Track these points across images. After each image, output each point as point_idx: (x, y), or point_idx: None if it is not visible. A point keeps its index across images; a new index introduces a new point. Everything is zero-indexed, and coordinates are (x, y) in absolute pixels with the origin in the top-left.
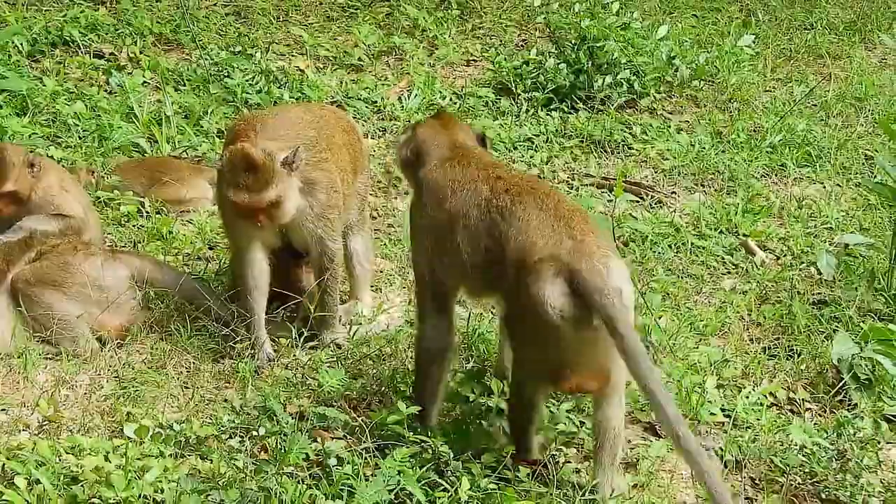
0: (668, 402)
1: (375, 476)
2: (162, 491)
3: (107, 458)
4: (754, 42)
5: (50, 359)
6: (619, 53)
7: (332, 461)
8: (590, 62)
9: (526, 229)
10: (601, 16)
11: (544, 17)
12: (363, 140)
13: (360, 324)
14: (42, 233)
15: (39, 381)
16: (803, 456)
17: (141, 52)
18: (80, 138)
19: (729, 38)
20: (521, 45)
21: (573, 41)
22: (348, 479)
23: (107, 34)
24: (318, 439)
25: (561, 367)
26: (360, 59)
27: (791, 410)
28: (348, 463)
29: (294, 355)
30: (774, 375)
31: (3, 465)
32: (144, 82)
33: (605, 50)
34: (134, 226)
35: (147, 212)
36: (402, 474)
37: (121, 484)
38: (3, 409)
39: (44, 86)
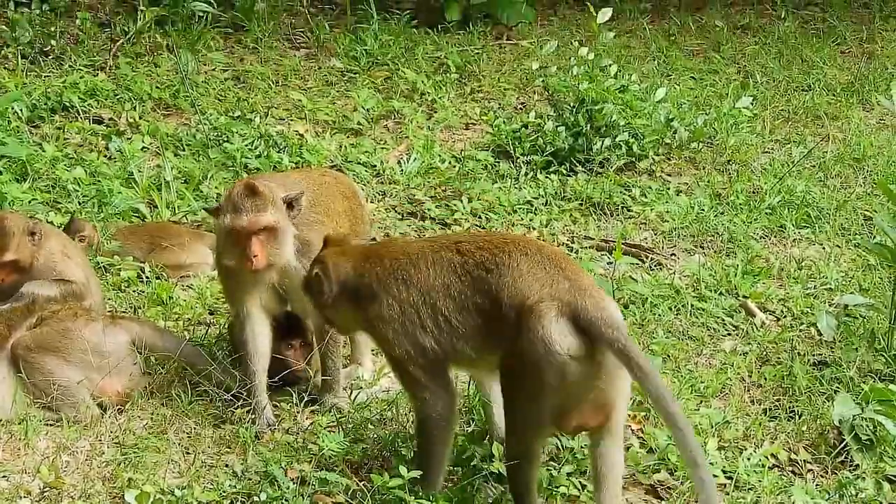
0: (687, 425)
1: None
2: None
3: None
4: (752, 104)
5: (51, 425)
6: (618, 116)
7: None
8: (588, 125)
9: (519, 276)
10: (599, 78)
11: (542, 80)
12: (365, 205)
13: (361, 388)
14: (44, 298)
15: (40, 447)
16: None
17: (140, 118)
18: (79, 204)
19: (727, 99)
20: (520, 108)
21: (572, 104)
22: None
23: (106, 99)
24: None
25: (564, 409)
26: (359, 123)
27: (793, 472)
28: None
29: (295, 419)
30: (776, 437)
31: None
32: (144, 147)
33: (603, 112)
34: (134, 291)
35: (147, 277)
36: None
37: None
38: (3, 476)
39: (43, 151)
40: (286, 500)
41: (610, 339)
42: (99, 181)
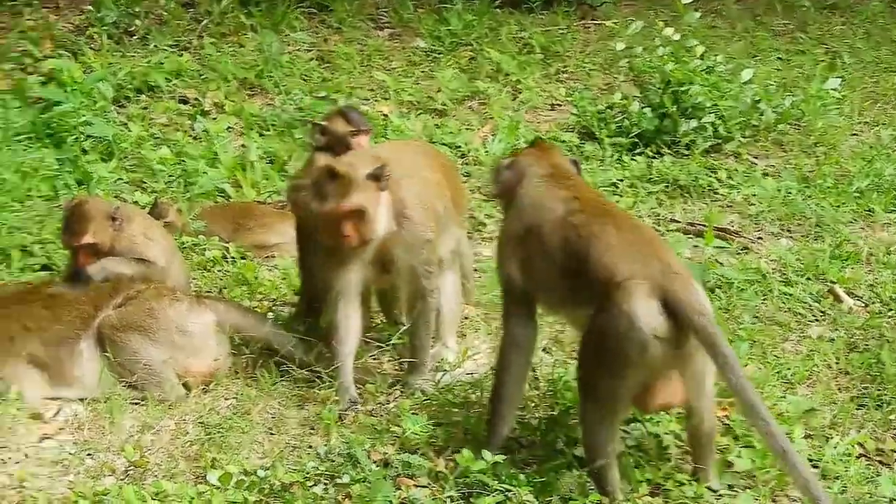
0: (769, 415)
1: None
2: None
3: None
4: (840, 85)
5: (136, 404)
6: (704, 97)
7: None
8: (674, 106)
9: (608, 249)
10: (685, 59)
11: (627, 61)
12: (460, 180)
13: (446, 370)
14: (118, 275)
15: (125, 426)
16: None
17: (225, 98)
18: (165, 184)
19: (814, 81)
20: (605, 89)
21: (657, 85)
22: None
23: (191, 80)
24: (403, 487)
25: (646, 387)
26: (443, 103)
27: (880, 462)
28: None
29: (378, 401)
30: (863, 426)
31: None
32: (229, 128)
33: (689, 94)
34: (219, 271)
35: (232, 257)
36: None
37: None
38: (89, 454)
39: (129, 131)
40: (369, 482)
41: (697, 324)
42: (184, 161)
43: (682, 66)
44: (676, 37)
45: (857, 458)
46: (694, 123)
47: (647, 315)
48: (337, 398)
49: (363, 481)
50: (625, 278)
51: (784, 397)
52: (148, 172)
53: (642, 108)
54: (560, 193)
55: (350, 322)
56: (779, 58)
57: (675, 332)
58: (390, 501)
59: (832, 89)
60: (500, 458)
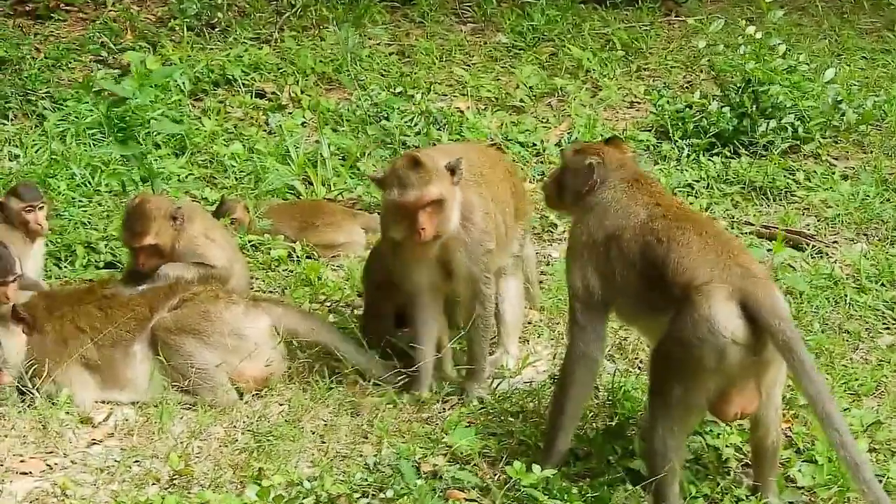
0: (845, 426)
1: None
2: None
3: None
4: None
5: (188, 408)
6: (784, 97)
7: None
8: (754, 106)
9: (688, 254)
10: (767, 58)
11: (708, 60)
12: (524, 185)
13: (504, 377)
14: (181, 280)
15: (175, 432)
16: None
17: (302, 92)
18: (236, 179)
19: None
20: (687, 87)
21: (738, 84)
22: None
23: (269, 73)
24: (452, 500)
25: (723, 394)
26: (521, 100)
27: None
28: None
29: (434, 409)
30: None
31: None
32: (303, 122)
33: (769, 94)
34: (284, 270)
35: (297, 257)
36: None
37: None
38: (136, 461)
39: (202, 126)
40: (415, 497)
41: (776, 330)
42: (256, 157)
43: (763, 65)
44: (759, 35)
45: None
46: (773, 124)
47: (726, 319)
48: (389, 404)
49: (409, 495)
50: (704, 282)
51: (848, 409)
52: (219, 168)
53: (721, 107)
54: (643, 199)
55: (427, 313)
56: (864, 57)
57: (754, 337)
58: None
59: None
60: (550, 471)
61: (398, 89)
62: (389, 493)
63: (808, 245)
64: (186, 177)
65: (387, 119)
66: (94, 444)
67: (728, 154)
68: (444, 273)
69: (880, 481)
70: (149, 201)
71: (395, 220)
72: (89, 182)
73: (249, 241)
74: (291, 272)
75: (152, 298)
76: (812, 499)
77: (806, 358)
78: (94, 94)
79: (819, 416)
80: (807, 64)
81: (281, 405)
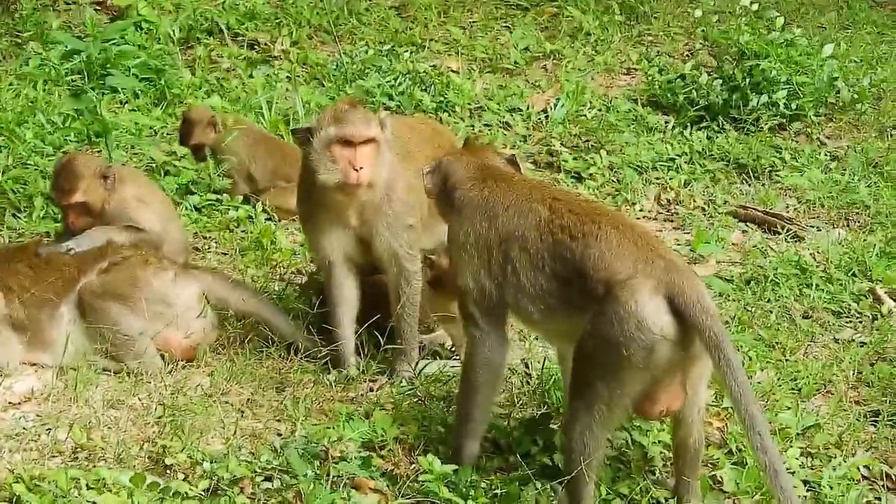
0: (766, 429)
1: None
2: None
3: (130, 497)
4: None
5: (110, 375)
6: (778, 72)
7: None
8: (746, 80)
9: (608, 248)
10: (763, 31)
11: (702, 31)
12: None
13: (436, 358)
14: (111, 243)
15: (94, 399)
16: None
17: (294, 44)
18: None
19: None
20: (688, 55)
21: (732, 57)
22: None
23: (263, 24)
24: (360, 488)
25: (649, 393)
26: (514, 62)
27: (887, 487)
28: None
29: (360, 390)
30: (872, 445)
31: (19, 496)
32: (288, 77)
33: (761, 68)
34: (242, 231)
35: (252, 218)
36: None
37: None
38: (48, 430)
39: (181, 77)
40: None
41: (704, 326)
42: (235, 110)
43: (758, 38)
44: (755, 7)
45: (860, 481)
46: (764, 98)
47: (654, 314)
48: (314, 380)
49: (294, 486)
50: (627, 277)
51: (790, 408)
52: None
53: (712, 79)
54: (533, 194)
55: (345, 289)
56: (869, 32)
57: (682, 332)
58: None
59: None
60: (449, 468)
61: (388, 46)
62: (276, 484)
63: (783, 228)
64: (161, 129)
65: (362, 79)
66: (12, 406)
67: (716, 128)
68: (362, 247)
69: (813, 489)
70: (78, 159)
71: (330, 160)
72: (61, 132)
73: (208, 201)
74: (250, 234)
75: (82, 260)
76: (736, 503)
77: (732, 356)
78: (77, 38)
79: (741, 418)
80: (806, 38)
81: (206, 377)
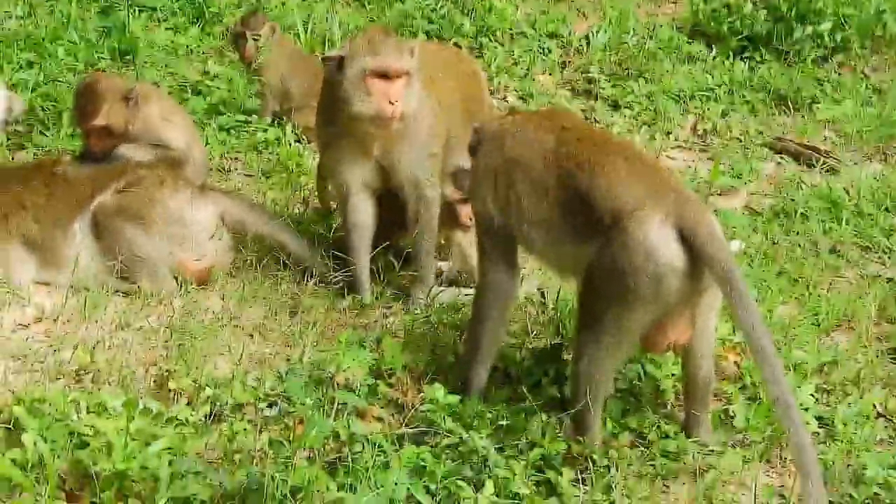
0: (779, 362)
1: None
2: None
3: (130, 420)
4: None
5: (123, 296)
6: (825, 2)
7: (356, 447)
8: (792, 10)
9: (616, 178)
10: None
11: None
12: (485, 89)
13: (452, 286)
14: (138, 162)
15: (105, 319)
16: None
17: None
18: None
19: None
20: None
21: None
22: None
23: None
24: (361, 417)
25: (656, 325)
26: None
27: None
28: (381, 450)
29: (374, 317)
30: (890, 382)
31: (18, 418)
32: None
33: None
34: (270, 153)
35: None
36: (424, 471)
37: (119, 454)
38: (54, 351)
39: None
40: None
41: (714, 257)
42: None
43: None
44: None
45: (875, 418)
46: (809, 30)
47: (663, 245)
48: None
49: (294, 414)
50: (636, 207)
51: (808, 343)
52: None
53: (757, 8)
54: (545, 124)
55: (360, 215)
56: None
57: (691, 264)
58: (337, 433)
59: None
60: (454, 399)
61: None
62: (273, 411)
63: (817, 161)
64: (197, 47)
65: (401, 2)
66: (21, 327)
67: (758, 59)
68: (381, 173)
69: (826, 425)
70: (100, 81)
71: (364, 92)
72: (92, 48)
73: (237, 122)
74: (278, 156)
75: (97, 178)
76: (747, 438)
77: (743, 288)
78: None
79: (753, 350)
80: None
81: (219, 300)
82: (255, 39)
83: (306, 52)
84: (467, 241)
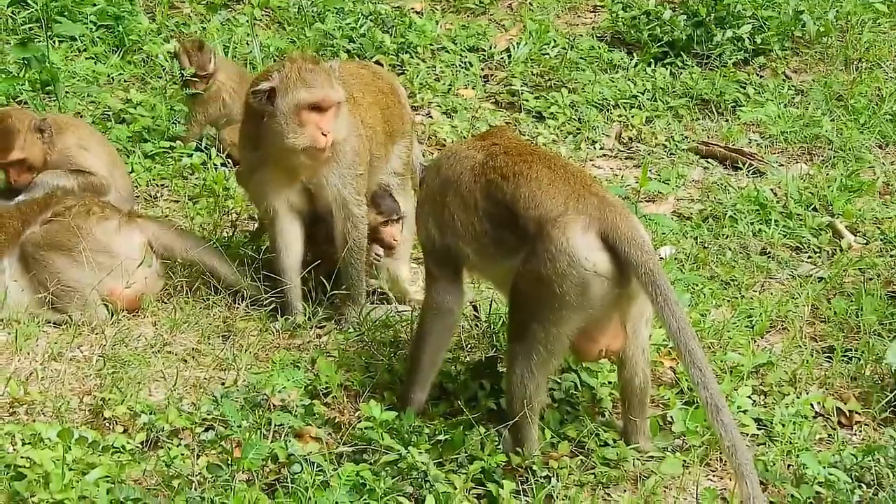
0: (707, 365)
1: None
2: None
3: (67, 450)
4: None
5: (57, 326)
6: (744, 5)
7: (295, 468)
8: (711, 14)
9: (539, 186)
10: None
11: None
12: (405, 104)
13: (386, 301)
14: (61, 189)
15: (37, 351)
16: (822, 487)
17: None
18: (167, 80)
19: None
20: None
21: None
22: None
23: None
24: (299, 437)
25: (585, 332)
26: (479, 2)
27: (840, 423)
28: (320, 469)
29: (307, 337)
30: (826, 382)
31: None
32: (248, 21)
33: (726, 2)
34: (196, 178)
35: (215, 164)
36: (364, 489)
37: (57, 484)
38: None
39: (140, 23)
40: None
41: (638, 261)
42: None
43: None
44: None
45: (813, 418)
46: (729, 33)
47: (586, 251)
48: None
49: (231, 437)
50: (559, 214)
51: (742, 345)
52: (156, 68)
53: (676, 15)
54: (476, 143)
55: (289, 238)
56: None
57: (617, 269)
58: (275, 455)
59: (879, 2)
60: (391, 415)
61: None
62: (209, 435)
63: (744, 164)
64: (118, 75)
65: (319, 22)
66: None
67: (679, 65)
68: (308, 196)
69: (765, 426)
70: (10, 116)
71: (297, 125)
72: (14, 82)
73: (161, 148)
74: (205, 181)
75: (25, 212)
76: (686, 443)
77: (669, 292)
78: None
79: (681, 353)
80: None
81: (150, 326)
82: (202, 77)
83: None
84: (396, 264)
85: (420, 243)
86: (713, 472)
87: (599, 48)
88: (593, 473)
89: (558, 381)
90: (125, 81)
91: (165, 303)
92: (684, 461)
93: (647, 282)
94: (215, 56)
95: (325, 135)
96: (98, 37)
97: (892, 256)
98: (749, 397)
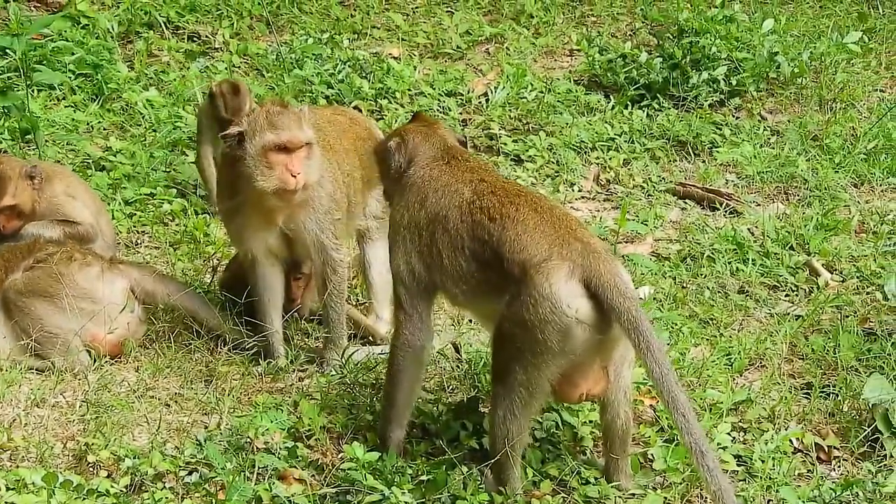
0: (691, 410)
1: None
2: None
3: (51, 496)
4: (865, 38)
5: (40, 372)
6: (719, 48)
7: None
8: (686, 57)
9: (524, 230)
10: (703, 8)
11: (641, 10)
12: None
13: (363, 346)
14: (47, 239)
15: (20, 398)
16: None
17: (232, 36)
18: (145, 128)
19: (842, 31)
20: (630, 35)
21: (672, 35)
22: None
23: (204, 16)
24: (282, 479)
25: (567, 376)
26: (456, 46)
27: (819, 459)
28: None
29: (289, 380)
30: (805, 417)
31: None
32: (227, 68)
33: (701, 44)
34: (177, 225)
35: (195, 210)
36: None
37: None
38: None
39: (118, 72)
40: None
41: (621, 308)
42: (172, 105)
43: (698, 15)
44: None
45: (793, 453)
46: (705, 75)
47: (568, 297)
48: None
49: (214, 479)
50: (543, 259)
51: (721, 383)
52: (135, 116)
53: (652, 58)
54: (464, 176)
55: (269, 280)
56: (811, 6)
57: (599, 316)
58: (259, 497)
59: (853, 43)
60: (374, 456)
61: (326, 35)
62: (193, 478)
63: (721, 204)
64: (97, 123)
65: (298, 69)
66: None
67: (656, 107)
68: (286, 241)
69: (744, 462)
70: (1, 162)
71: (266, 167)
72: None
73: (141, 195)
74: (185, 227)
75: (8, 259)
76: (666, 481)
77: (652, 338)
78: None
79: (664, 400)
80: (746, 14)
81: (133, 372)
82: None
83: None
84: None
85: (394, 275)
86: None
87: (576, 91)
88: None
89: (540, 420)
90: (104, 129)
91: (148, 348)
92: (665, 498)
93: (630, 328)
94: (251, 99)
95: (294, 176)
96: (77, 85)
97: (867, 294)
98: (728, 434)
